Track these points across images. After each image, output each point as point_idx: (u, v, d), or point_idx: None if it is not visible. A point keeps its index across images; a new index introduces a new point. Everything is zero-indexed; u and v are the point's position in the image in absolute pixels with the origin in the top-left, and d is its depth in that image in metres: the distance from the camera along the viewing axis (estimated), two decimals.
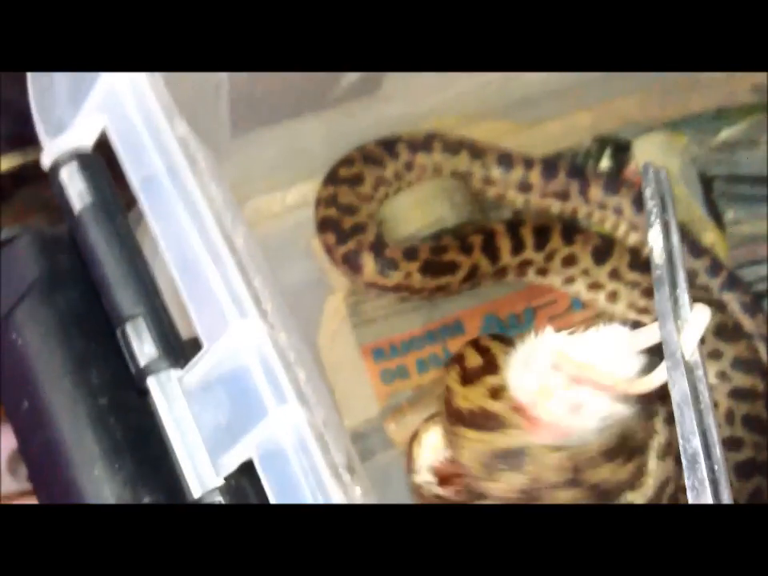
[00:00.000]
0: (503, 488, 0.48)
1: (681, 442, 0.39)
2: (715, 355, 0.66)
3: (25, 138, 0.47)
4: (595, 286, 0.69)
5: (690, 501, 0.38)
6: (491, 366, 0.51)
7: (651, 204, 0.43)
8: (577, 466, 0.46)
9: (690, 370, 0.41)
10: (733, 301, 0.69)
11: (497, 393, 0.49)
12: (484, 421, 0.49)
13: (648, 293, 0.67)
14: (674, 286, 0.42)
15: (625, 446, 0.46)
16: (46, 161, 0.45)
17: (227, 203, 0.44)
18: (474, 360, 0.53)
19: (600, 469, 0.46)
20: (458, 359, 0.53)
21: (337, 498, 0.36)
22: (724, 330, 0.66)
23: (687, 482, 0.38)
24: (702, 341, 0.42)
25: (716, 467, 0.38)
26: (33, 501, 0.43)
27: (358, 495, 0.38)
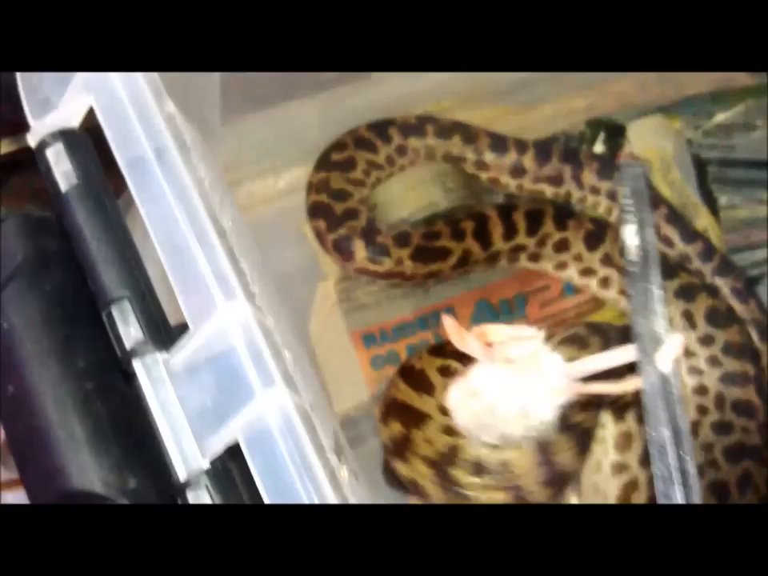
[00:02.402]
0: (385, 433, 0.53)
1: (649, 432, 0.39)
2: (707, 340, 0.66)
3: (19, 124, 0.46)
4: (587, 272, 0.69)
5: (657, 490, 0.38)
6: (467, 360, 0.51)
7: (627, 202, 0.44)
8: (448, 456, 0.48)
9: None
10: (725, 286, 0.69)
11: (447, 372, 0.50)
12: (416, 380, 0.52)
13: None
14: (647, 281, 0.43)
15: (496, 475, 0.48)
16: (32, 141, 0.45)
17: (215, 184, 0.44)
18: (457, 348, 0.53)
19: (459, 473, 0.48)
20: (449, 341, 0.54)
21: (324, 480, 0.36)
22: (716, 316, 0.66)
23: (654, 472, 0.39)
24: (694, 327, 0.43)
25: (684, 456, 0.38)
26: (22, 490, 0.42)
27: (345, 478, 0.38)
